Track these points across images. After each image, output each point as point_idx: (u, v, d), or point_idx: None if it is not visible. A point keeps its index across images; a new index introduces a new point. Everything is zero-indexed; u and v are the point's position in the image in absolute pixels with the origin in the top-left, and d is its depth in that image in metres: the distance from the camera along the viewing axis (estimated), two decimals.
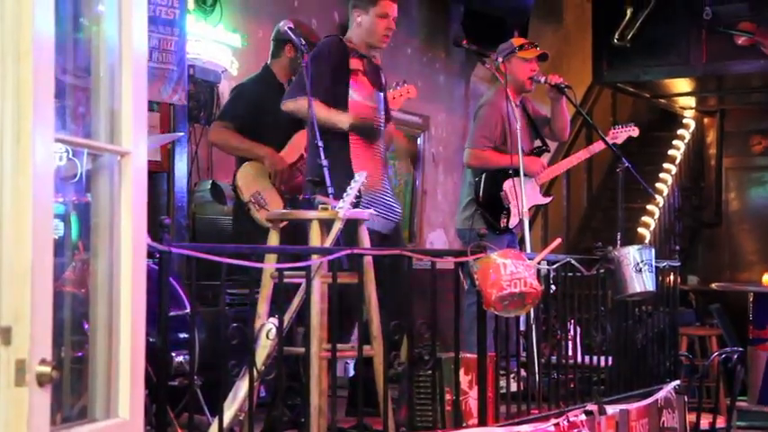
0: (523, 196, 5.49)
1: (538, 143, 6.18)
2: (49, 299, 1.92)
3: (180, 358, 4.14)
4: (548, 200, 6.44)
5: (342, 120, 4.76)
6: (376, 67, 5.04)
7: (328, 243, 3.99)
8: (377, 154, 4.92)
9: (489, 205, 5.82)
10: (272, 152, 5.26)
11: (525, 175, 5.71)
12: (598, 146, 6.27)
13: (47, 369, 1.88)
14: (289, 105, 4.84)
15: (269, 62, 5.52)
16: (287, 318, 3.86)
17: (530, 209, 5.71)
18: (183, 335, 4.18)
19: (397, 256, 4.18)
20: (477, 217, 5.81)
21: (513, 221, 5.81)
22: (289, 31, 4.93)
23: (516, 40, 6.07)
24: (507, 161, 5.67)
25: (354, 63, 4.91)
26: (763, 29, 9.44)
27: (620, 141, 6.28)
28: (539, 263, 4.57)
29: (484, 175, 5.85)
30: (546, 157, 6.34)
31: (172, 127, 6.06)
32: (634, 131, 6.38)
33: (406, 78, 5.88)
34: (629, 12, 9.89)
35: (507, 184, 5.81)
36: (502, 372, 4.60)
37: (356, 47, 4.96)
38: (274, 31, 5.50)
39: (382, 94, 5.04)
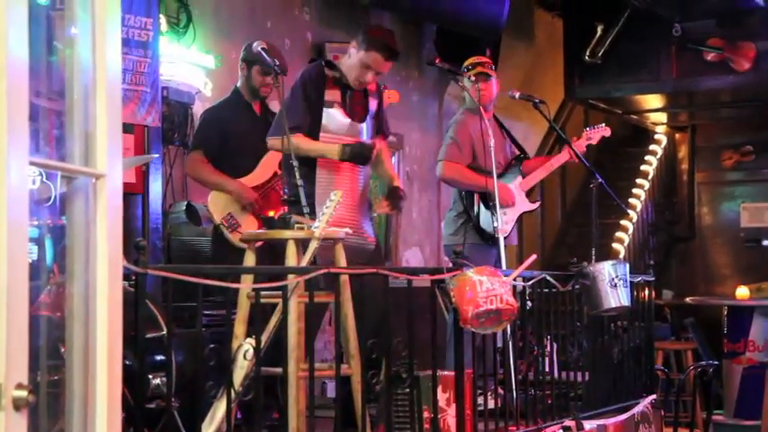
0: (499, 214, 5.51)
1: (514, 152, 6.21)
2: (24, 323, 1.91)
3: (157, 380, 4.12)
4: (535, 206, 6.45)
5: (331, 150, 4.73)
6: (363, 93, 4.95)
7: (305, 262, 4.00)
8: (352, 179, 4.85)
9: (480, 216, 5.83)
10: (241, 186, 5.28)
11: (508, 182, 5.79)
12: (566, 155, 6.28)
13: (23, 393, 1.87)
14: (273, 144, 4.79)
15: (238, 84, 5.54)
16: (264, 338, 3.86)
17: (518, 216, 5.78)
18: (159, 357, 4.17)
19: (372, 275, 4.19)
20: (468, 229, 5.82)
21: (507, 229, 5.83)
22: (262, 52, 4.94)
23: (471, 60, 6.07)
24: (482, 183, 5.68)
25: (330, 95, 4.84)
26: (731, 45, 9.54)
27: (594, 142, 6.30)
28: (514, 279, 4.58)
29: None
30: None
31: (146, 149, 6.06)
32: (606, 131, 6.41)
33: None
34: (599, 29, 9.96)
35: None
36: (479, 390, 4.60)
37: (341, 76, 4.90)
38: (242, 51, 5.53)
39: (364, 123, 4.92)
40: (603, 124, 6.52)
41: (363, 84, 4.88)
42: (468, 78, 5.91)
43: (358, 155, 4.76)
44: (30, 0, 1.98)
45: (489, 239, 5.76)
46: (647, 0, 9.07)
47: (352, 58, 4.86)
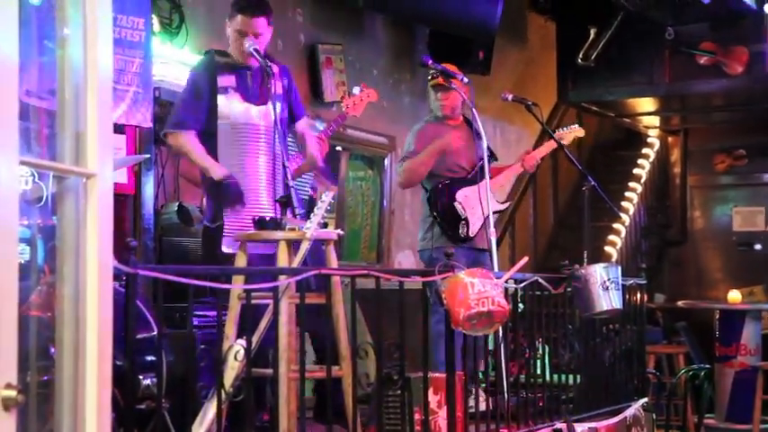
0: (489, 201, 5.51)
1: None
2: (14, 323, 1.91)
3: (147, 381, 4.11)
4: (504, 206, 6.45)
5: (215, 173, 4.63)
6: (261, 74, 4.80)
7: (296, 263, 3.99)
8: (261, 160, 4.73)
9: (446, 217, 5.84)
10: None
11: (474, 183, 5.79)
12: (545, 149, 6.28)
13: (12, 393, 1.86)
14: (169, 140, 4.82)
15: None
16: (255, 339, 3.85)
17: (488, 218, 5.75)
18: (150, 357, 4.16)
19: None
20: (435, 232, 5.83)
21: (474, 230, 5.83)
22: (254, 53, 4.94)
23: (432, 70, 6.03)
24: (428, 150, 5.76)
25: (224, 80, 4.76)
26: (724, 49, 9.56)
27: (566, 142, 6.30)
28: (506, 281, 4.59)
29: (435, 188, 5.90)
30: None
31: (138, 149, 6.04)
32: (580, 132, 6.41)
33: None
34: (592, 32, 9.97)
35: (460, 194, 5.87)
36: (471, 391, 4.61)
37: (233, 60, 4.82)
38: None
39: (268, 106, 4.73)
40: (576, 125, 6.51)
41: (247, 54, 4.72)
42: (434, 88, 5.97)
43: (234, 193, 4.61)
44: (21, 0, 1.98)
45: (458, 241, 5.76)
46: (641, 3, 9.08)
47: (230, 35, 4.79)
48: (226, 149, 4.73)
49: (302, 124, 5.01)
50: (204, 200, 4.87)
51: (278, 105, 4.75)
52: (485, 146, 5.66)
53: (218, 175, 4.62)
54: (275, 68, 4.81)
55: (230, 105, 4.74)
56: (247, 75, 4.81)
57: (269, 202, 4.68)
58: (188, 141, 4.71)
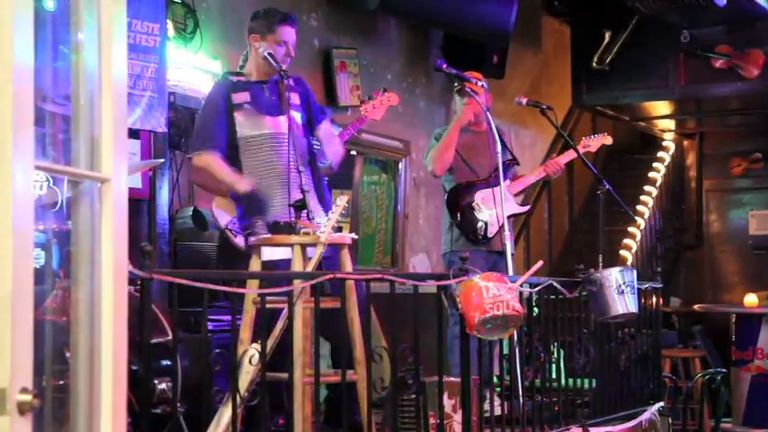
0: (503, 204, 5.51)
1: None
2: (29, 327, 1.91)
3: (162, 385, 4.12)
4: (524, 209, 6.46)
5: (241, 186, 4.69)
6: (275, 88, 4.88)
7: (310, 268, 3.99)
8: (279, 169, 4.77)
9: (465, 218, 5.86)
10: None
11: (494, 186, 5.81)
12: (570, 155, 6.30)
13: (28, 397, 1.87)
14: (194, 161, 4.91)
15: None
16: (270, 343, 3.85)
17: (508, 219, 5.75)
18: (165, 362, 4.17)
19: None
20: (454, 234, 5.86)
21: (492, 231, 5.85)
22: (268, 57, 4.94)
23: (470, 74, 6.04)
24: (448, 133, 5.92)
25: (238, 97, 4.84)
26: (740, 51, 9.52)
27: (593, 149, 6.32)
28: (521, 285, 4.58)
29: (455, 190, 5.94)
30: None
31: (153, 154, 6.06)
32: (607, 140, 6.43)
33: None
34: (607, 35, 9.95)
35: (479, 196, 5.90)
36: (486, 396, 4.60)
37: (247, 77, 4.92)
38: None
39: (284, 117, 4.77)
40: (605, 133, 6.55)
41: (285, 61, 4.82)
42: (459, 93, 6.01)
43: (262, 202, 4.70)
44: (36, 5, 1.98)
45: (477, 243, 5.79)
46: (655, 7, 9.05)
47: (261, 51, 4.82)
48: (247, 161, 4.80)
49: (322, 128, 5.06)
50: (237, 210, 4.94)
51: (297, 115, 4.84)
52: (499, 149, 5.64)
53: (242, 188, 4.69)
54: (289, 81, 4.86)
55: (246, 120, 4.81)
56: (263, 88, 4.89)
57: (288, 208, 4.71)
58: (213, 161, 4.79)
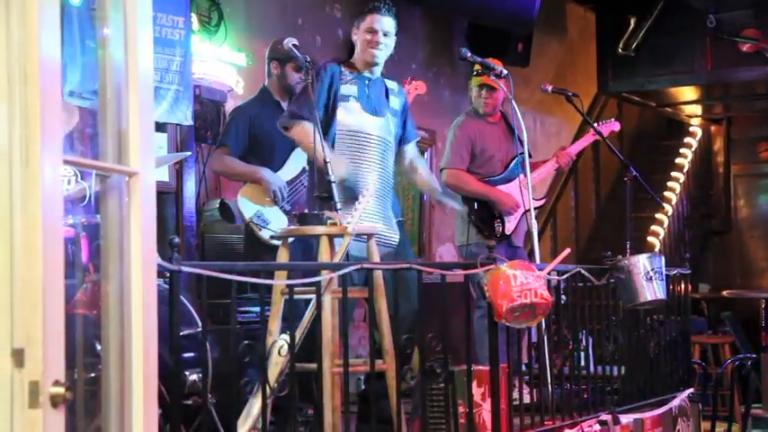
0: (530, 200, 5.46)
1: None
2: (60, 320, 1.93)
3: (193, 377, 4.14)
4: (541, 203, 6.43)
5: (337, 169, 4.52)
6: (384, 88, 4.88)
7: (338, 258, 4.00)
8: (373, 169, 4.73)
9: (481, 215, 5.84)
10: (269, 173, 5.26)
11: (511, 180, 5.78)
12: (581, 144, 6.29)
13: (60, 390, 1.88)
14: (290, 132, 4.74)
15: (266, 82, 5.54)
16: (298, 334, 3.87)
17: (528, 212, 5.72)
18: (195, 353, 4.19)
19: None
20: (471, 231, 5.82)
21: (509, 227, 5.83)
22: (293, 48, 4.94)
23: (478, 66, 5.98)
24: (483, 190, 5.80)
25: (346, 89, 4.76)
26: (766, 35, 9.44)
27: (605, 134, 6.28)
28: (548, 273, 4.57)
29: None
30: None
31: (179, 147, 6.09)
32: (615, 126, 6.40)
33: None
34: (632, 21, 9.90)
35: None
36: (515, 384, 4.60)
37: (356, 69, 4.84)
38: (268, 49, 5.52)
39: (383, 118, 4.80)
40: (613, 119, 6.52)
41: (375, 48, 4.76)
42: (477, 85, 5.96)
43: (349, 191, 4.58)
44: (62, 1, 1.99)
45: (494, 238, 5.74)
46: None
47: (359, 41, 4.81)
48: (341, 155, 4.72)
49: (411, 149, 5.04)
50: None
51: (393, 121, 4.84)
52: (525, 140, 5.59)
53: (341, 173, 4.55)
54: (393, 84, 4.92)
55: (349, 114, 4.74)
56: (365, 84, 4.82)
57: (380, 211, 4.69)
58: (310, 132, 4.54)
